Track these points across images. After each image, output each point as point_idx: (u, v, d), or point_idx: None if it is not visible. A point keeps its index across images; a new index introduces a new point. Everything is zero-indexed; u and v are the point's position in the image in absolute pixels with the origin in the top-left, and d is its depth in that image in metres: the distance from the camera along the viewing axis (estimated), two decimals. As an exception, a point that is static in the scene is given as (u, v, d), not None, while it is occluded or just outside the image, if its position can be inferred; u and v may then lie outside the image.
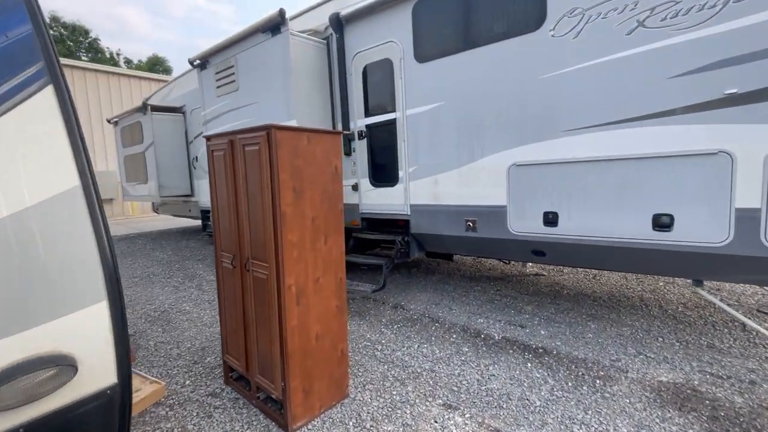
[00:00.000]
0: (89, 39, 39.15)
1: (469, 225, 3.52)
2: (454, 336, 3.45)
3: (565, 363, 2.91)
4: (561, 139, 2.91)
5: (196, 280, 5.53)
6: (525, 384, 2.65)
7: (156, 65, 37.34)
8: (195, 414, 2.46)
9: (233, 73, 4.70)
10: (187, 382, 2.84)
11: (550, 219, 3.02)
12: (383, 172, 4.17)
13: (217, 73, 4.96)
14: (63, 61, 13.26)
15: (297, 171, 2.14)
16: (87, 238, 1.05)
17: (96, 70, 13.67)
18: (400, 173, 3.96)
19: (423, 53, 3.66)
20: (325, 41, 4.42)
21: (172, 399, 2.64)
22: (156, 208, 9.09)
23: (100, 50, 39.04)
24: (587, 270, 5.23)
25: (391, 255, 3.97)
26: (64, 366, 1.00)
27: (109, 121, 8.77)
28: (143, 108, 6.91)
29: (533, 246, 3.25)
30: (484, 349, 3.19)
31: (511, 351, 3.13)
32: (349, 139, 4.34)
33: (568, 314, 3.82)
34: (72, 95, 0.99)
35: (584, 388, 2.58)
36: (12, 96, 0.93)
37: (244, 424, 2.32)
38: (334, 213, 2.37)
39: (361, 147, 4.29)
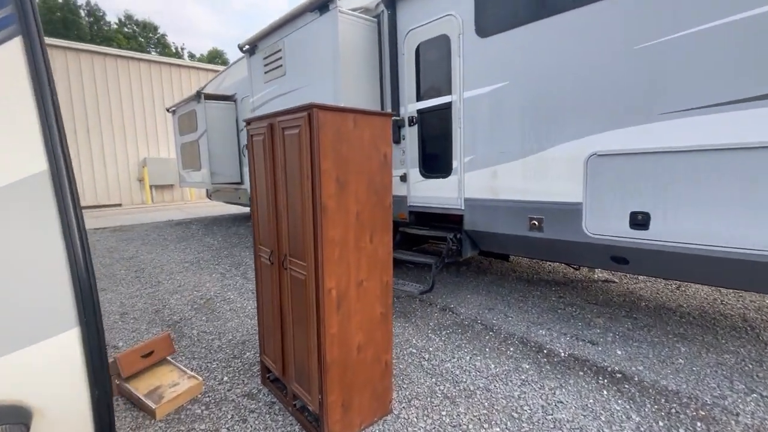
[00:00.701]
0: (158, 35, 42.06)
1: (534, 224, 3.07)
2: (512, 349, 3.05)
3: (651, 394, 2.42)
4: (659, 123, 2.37)
5: (242, 268, 5.55)
6: (602, 418, 2.22)
7: (215, 58, 39.22)
8: (230, 416, 2.32)
9: (280, 58, 4.54)
10: (225, 378, 2.73)
11: (639, 221, 2.50)
12: (435, 162, 3.81)
13: (264, 58, 4.83)
14: (131, 54, 14.14)
15: (341, 158, 1.86)
16: (52, 240, 0.82)
17: (160, 62, 14.44)
18: (454, 164, 3.57)
19: (486, 26, 3.22)
20: (376, 19, 4.10)
21: (209, 396, 2.52)
22: (209, 195, 9.41)
23: (167, 45, 41.80)
24: (668, 279, 4.53)
25: (441, 253, 3.61)
26: (11, 424, 0.74)
27: (168, 110, 9.16)
28: (197, 96, 7.06)
29: (614, 251, 2.74)
30: (548, 367, 2.76)
31: (581, 373, 2.68)
32: (398, 126, 4.01)
33: (649, 332, 3.25)
34: (48, 56, 0.76)
35: (681, 431, 2.09)
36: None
37: (279, 435, 2.14)
38: (381, 207, 2.07)
39: (411, 134, 3.94)
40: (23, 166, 0.77)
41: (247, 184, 7.13)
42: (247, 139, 2.41)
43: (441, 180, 3.73)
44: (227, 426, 2.23)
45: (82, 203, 12.06)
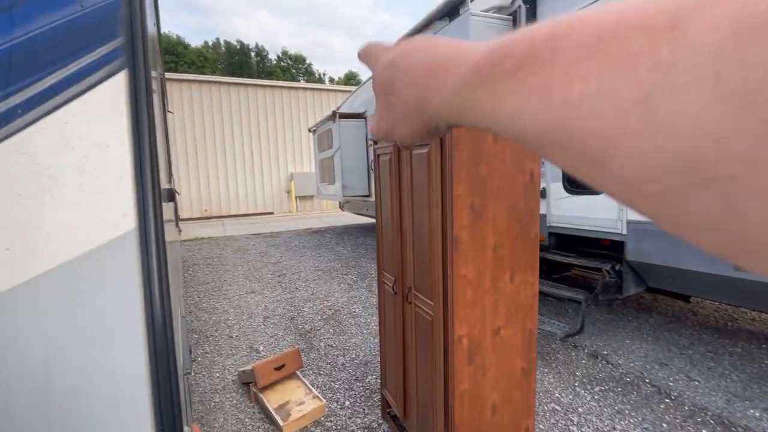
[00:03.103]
0: (305, 65, 48.67)
1: (745, 261, 2.20)
2: (705, 431, 2.23)
3: None
4: None
5: (367, 280, 5.66)
6: None
7: (351, 79, 43.21)
8: (349, 450, 2.22)
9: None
10: (347, 402, 2.67)
11: None
12: (586, 175, 3.15)
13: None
14: (283, 83, 16.49)
15: (478, 182, 1.55)
16: (133, 332, 0.71)
17: (305, 89, 16.45)
18: (615, 177, 2.87)
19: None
20: (511, 17, 3.66)
21: (331, 421, 2.49)
22: (341, 206, 10.13)
23: (312, 73, 48.03)
24: None
25: (594, 287, 2.93)
26: None
27: (309, 130, 10.26)
28: (333, 116, 7.66)
29: None
30: (774, 474, 1.90)
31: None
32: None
33: None
34: (158, 88, 0.68)
35: None
36: (71, 85, 0.68)
37: (398, 487, 1.92)
38: (525, 239, 1.69)
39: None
40: (109, 224, 0.70)
41: (373, 197, 7.39)
42: (374, 160, 2.31)
43: (591, 197, 3.05)
44: (346, 460, 2.13)
45: (242, 211, 14.53)
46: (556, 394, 2.65)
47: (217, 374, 3.14)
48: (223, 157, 14.28)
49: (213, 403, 2.74)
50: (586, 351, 3.23)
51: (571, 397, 2.61)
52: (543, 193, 3.49)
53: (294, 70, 46.48)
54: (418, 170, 1.73)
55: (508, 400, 1.74)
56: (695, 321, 3.72)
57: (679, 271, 2.56)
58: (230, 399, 2.78)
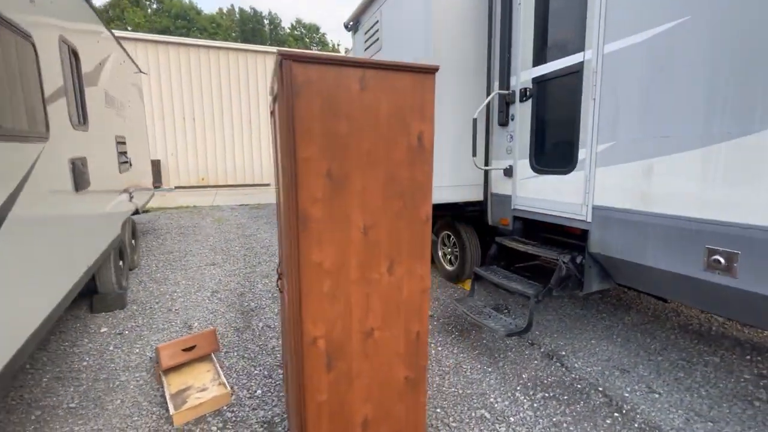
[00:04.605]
0: (319, 35, 47.41)
1: (717, 261, 1.79)
2: (651, 456, 1.89)
3: None
4: None
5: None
6: None
7: (364, 51, 41.91)
8: (236, 448, 1.97)
9: (378, 30, 4.00)
10: (259, 392, 2.42)
11: None
12: (552, 151, 2.72)
13: (365, 33, 4.38)
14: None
15: (337, 142, 1.18)
16: None
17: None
18: (580, 154, 2.44)
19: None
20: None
21: (233, 412, 2.24)
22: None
23: (325, 43, 46.78)
24: None
25: (550, 281, 2.55)
26: None
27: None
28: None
29: None
30: None
31: None
32: (506, 102, 3.02)
33: None
34: None
35: None
36: None
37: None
38: (412, 221, 1.32)
39: (523, 113, 2.91)
40: None
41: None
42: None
43: (559, 177, 2.63)
44: (227, 461, 1.88)
45: (239, 182, 14.32)
46: (491, 399, 2.34)
47: (137, 350, 2.93)
48: (221, 125, 13.97)
49: (118, 382, 2.53)
50: (542, 350, 2.88)
51: (507, 403, 2.30)
52: (509, 172, 3.07)
53: (307, 39, 45.26)
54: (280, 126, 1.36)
55: (387, 415, 1.43)
56: (675, 323, 3.32)
57: (645, 268, 2.16)
58: (137, 379, 2.56)
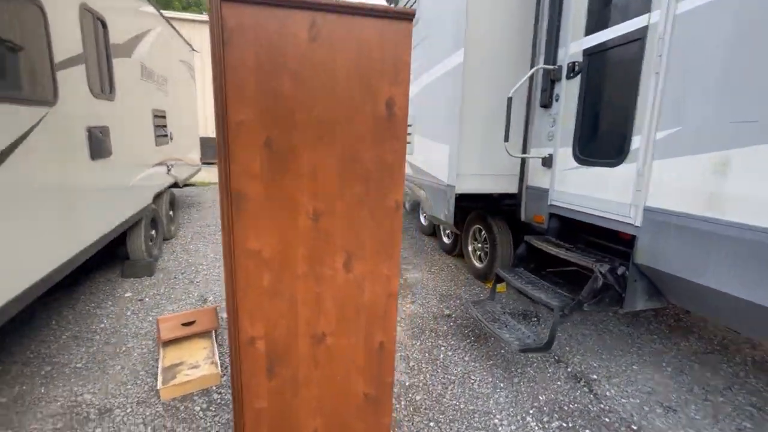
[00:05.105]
0: None
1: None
2: None
3: None
4: None
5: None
6: None
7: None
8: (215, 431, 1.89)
9: (415, 1, 3.66)
10: (249, 375, 2.34)
11: None
12: (599, 138, 2.27)
13: (405, 5, 4.05)
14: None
15: (280, 105, 0.96)
16: None
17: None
18: (634, 141, 1.99)
19: None
20: None
21: (219, 393, 2.18)
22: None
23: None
24: None
25: (581, 294, 2.15)
26: None
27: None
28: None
29: None
30: None
31: None
32: (551, 80, 2.58)
33: None
34: None
35: None
36: None
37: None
38: (377, 210, 1.08)
39: (569, 92, 2.46)
40: None
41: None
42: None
43: (605, 169, 2.19)
44: (201, 446, 1.81)
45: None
46: (496, 420, 2.04)
47: (151, 318, 3.00)
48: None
49: (124, 348, 2.59)
50: (569, 369, 2.49)
51: (513, 428, 1.99)
52: (548, 161, 2.64)
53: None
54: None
55: (343, 431, 1.22)
56: (749, 356, 2.72)
57: (708, 290, 1.70)
58: (143, 347, 2.61)
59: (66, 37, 2.19)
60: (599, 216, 2.25)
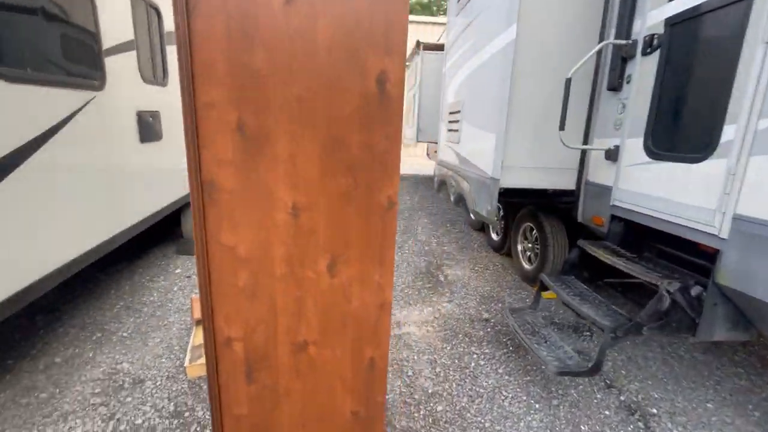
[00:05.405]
0: None
1: None
2: None
3: None
4: None
5: (406, 236, 5.07)
6: None
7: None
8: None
9: (471, -26, 3.34)
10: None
11: None
12: (679, 127, 1.85)
13: (460, -20, 3.73)
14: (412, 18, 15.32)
15: (253, 83, 0.84)
16: None
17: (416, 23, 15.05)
18: (726, 132, 1.58)
19: None
20: None
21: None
22: (428, 154, 9.33)
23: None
24: None
25: (640, 315, 1.79)
26: None
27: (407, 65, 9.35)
28: (417, 46, 6.68)
29: None
30: None
31: None
32: (622, 58, 2.17)
33: None
34: None
35: None
36: None
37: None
38: (365, 207, 0.92)
39: (644, 72, 2.05)
40: None
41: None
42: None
43: (685, 165, 1.79)
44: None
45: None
46: (524, 446, 1.81)
47: (194, 295, 3.15)
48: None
49: (166, 322, 2.74)
50: (622, 398, 2.14)
51: (544, 459, 1.75)
52: (612, 154, 2.24)
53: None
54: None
55: (327, 450, 1.11)
56: None
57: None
58: (182, 323, 2.74)
59: (115, 24, 2.29)
60: (673, 222, 1.86)
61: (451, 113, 3.97)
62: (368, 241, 0.93)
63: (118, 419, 1.90)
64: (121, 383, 2.15)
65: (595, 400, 2.11)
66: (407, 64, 8.84)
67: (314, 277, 0.96)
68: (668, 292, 1.68)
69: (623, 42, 2.12)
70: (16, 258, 1.74)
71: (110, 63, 2.23)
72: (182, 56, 0.80)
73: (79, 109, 1.94)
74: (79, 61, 1.97)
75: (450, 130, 4.01)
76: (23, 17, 1.62)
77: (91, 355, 2.37)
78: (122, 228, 2.57)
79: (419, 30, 14.12)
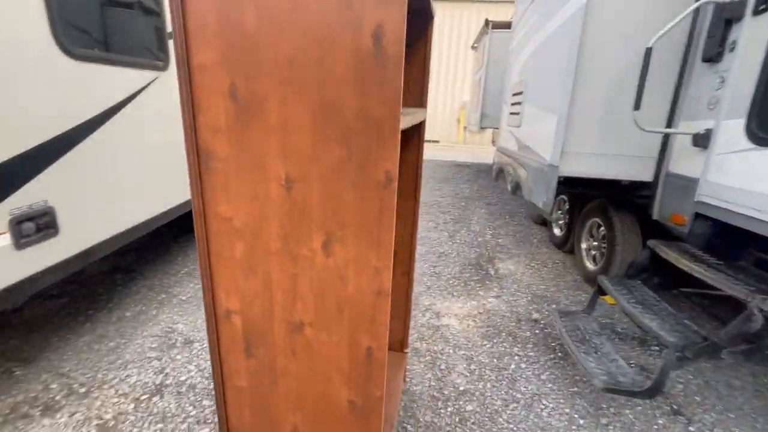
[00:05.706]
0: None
1: None
2: None
3: None
4: None
5: (461, 224, 4.85)
6: None
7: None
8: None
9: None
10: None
11: None
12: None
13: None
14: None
15: (245, 45, 0.79)
16: None
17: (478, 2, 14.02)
18: None
19: None
20: None
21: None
22: (494, 141, 8.82)
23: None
24: None
25: (719, 334, 1.46)
26: None
27: (472, 47, 8.84)
28: (486, 26, 6.23)
29: None
30: None
31: None
32: (725, 21, 1.76)
33: None
34: None
35: None
36: None
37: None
38: (360, 182, 0.83)
39: (754, 35, 1.64)
40: None
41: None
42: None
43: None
44: None
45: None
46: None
47: (246, 269, 3.34)
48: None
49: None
50: (690, 429, 1.82)
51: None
52: (701, 139, 1.85)
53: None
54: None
55: (323, 435, 1.07)
56: None
57: None
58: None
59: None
60: (777, 224, 1.48)
61: (513, 95, 3.65)
62: (362, 220, 0.85)
63: (166, 373, 2.08)
64: (174, 341, 2.35)
65: (655, 427, 1.82)
66: (474, 45, 8.35)
67: (309, 255, 0.90)
68: (760, 309, 1.34)
69: (726, 0, 1.72)
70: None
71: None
72: (177, 15, 0.78)
73: (145, 87, 2.12)
74: (144, 43, 2.15)
75: (512, 113, 3.70)
76: (120, 11, 1.86)
77: (154, 313, 2.63)
78: (180, 200, 2.79)
79: (491, 10, 13.26)
